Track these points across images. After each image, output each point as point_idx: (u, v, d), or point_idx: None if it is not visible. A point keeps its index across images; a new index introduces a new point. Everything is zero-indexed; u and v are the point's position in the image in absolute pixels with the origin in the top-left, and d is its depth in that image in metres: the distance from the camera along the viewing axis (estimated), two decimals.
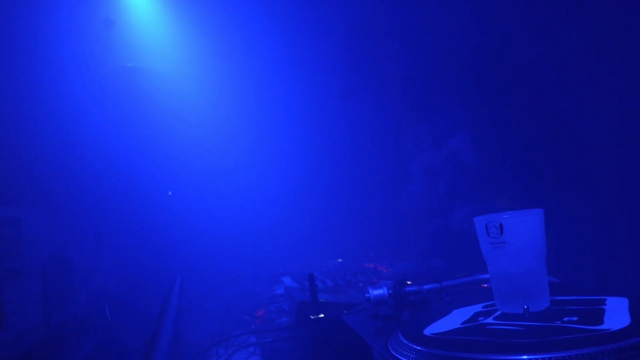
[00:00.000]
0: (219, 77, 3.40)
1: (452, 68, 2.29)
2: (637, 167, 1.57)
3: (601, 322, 0.77)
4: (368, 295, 1.15)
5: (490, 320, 0.89)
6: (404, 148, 2.74)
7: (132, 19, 3.38)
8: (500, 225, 0.91)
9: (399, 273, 1.75)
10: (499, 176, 2.09)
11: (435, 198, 2.42)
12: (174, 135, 2.85)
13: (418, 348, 0.79)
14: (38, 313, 1.91)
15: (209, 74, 3.39)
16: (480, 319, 0.91)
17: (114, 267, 2.60)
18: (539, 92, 1.98)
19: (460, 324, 0.90)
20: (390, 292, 1.14)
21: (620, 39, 1.62)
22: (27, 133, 2.09)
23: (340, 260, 2.34)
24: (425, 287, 1.17)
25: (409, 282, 1.20)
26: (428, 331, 0.89)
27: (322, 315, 1.28)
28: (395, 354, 0.83)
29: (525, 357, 0.66)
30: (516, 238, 0.91)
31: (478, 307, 1.01)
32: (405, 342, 0.84)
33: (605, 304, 0.87)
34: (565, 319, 0.82)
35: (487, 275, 1.10)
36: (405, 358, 0.80)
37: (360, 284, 1.60)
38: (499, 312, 0.93)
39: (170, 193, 2.80)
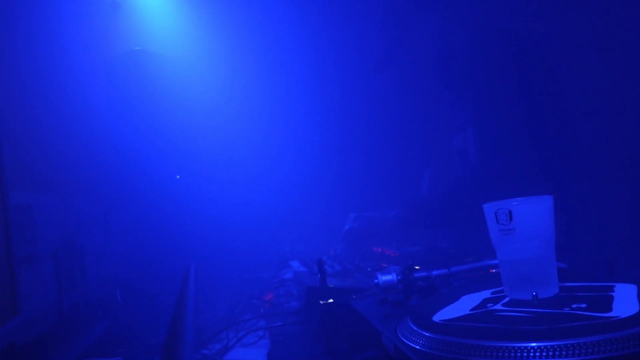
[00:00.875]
0: (230, 59, 3.38)
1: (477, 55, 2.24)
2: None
3: (610, 309, 0.77)
4: (377, 281, 1.16)
5: (499, 306, 0.90)
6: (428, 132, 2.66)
7: (139, 1, 3.36)
8: (510, 212, 0.91)
9: (407, 258, 1.76)
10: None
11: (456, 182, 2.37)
12: (183, 120, 2.84)
13: (427, 334, 0.80)
14: (51, 297, 1.94)
15: (220, 57, 3.36)
16: (489, 305, 0.92)
17: (125, 251, 2.63)
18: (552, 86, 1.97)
19: (469, 311, 0.91)
20: (399, 277, 1.15)
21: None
22: (35, 119, 2.10)
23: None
24: (434, 272, 1.18)
25: (417, 267, 1.21)
26: (437, 317, 0.90)
27: (331, 300, 1.29)
28: (405, 340, 0.84)
29: (534, 344, 0.67)
30: (525, 225, 0.91)
31: (486, 294, 1.01)
32: (415, 328, 0.85)
33: (613, 291, 0.88)
34: (574, 305, 0.82)
35: (496, 261, 1.11)
36: (415, 344, 0.81)
37: (369, 269, 1.61)
38: (507, 299, 0.93)
39: (178, 177, 2.80)
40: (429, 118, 2.63)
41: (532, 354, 0.66)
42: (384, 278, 1.15)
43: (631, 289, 0.88)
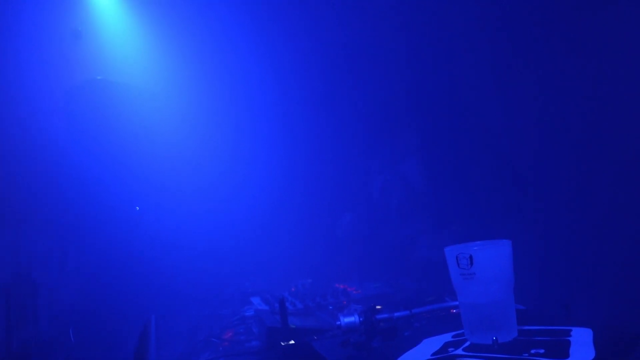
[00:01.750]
0: (194, 88, 3.36)
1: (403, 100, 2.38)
2: (592, 196, 1.61)
3: (567, 355, 0.79)
4: (339, 322, 1.15)
5: (460, 351, 0.90)
6: (367, 168, 2.79)
7: (101, 30, 3.32)
8: (471, 257, 0.93)
9: (369, 296, 1.75)
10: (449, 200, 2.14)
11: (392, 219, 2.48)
12: (144, 150, 2.80)
13: None
14: None
15: (182, 86, 3.34)
16: (450, 349, 0.92)
17: (80, 285, 2.53)
18: (485, 124, 2.03)
19: (431, 355, 0.91)
20: (361, 319, 1.15)
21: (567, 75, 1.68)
22: None
23: (309, 280, 2.33)
24: (396, 314, 1.18)
25: (379, 307, 1.21)
26: None
27: (292, 342, 1.27)
28: None
29: None
30: (486, 269, 0.92)
31: (447, 337, 1.02)
32: None
33: (570, 335, 0.90)
34: (533, 351, 0.83)
35: (456, 302, 1.12)
36: None
37: (331, 307, 1.60)
38: (468, 343, 0.94)
39: (137, 208, 2.75)
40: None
41: None
42: (346, 320, 1.15)
43: (587, 333, 0.90)
